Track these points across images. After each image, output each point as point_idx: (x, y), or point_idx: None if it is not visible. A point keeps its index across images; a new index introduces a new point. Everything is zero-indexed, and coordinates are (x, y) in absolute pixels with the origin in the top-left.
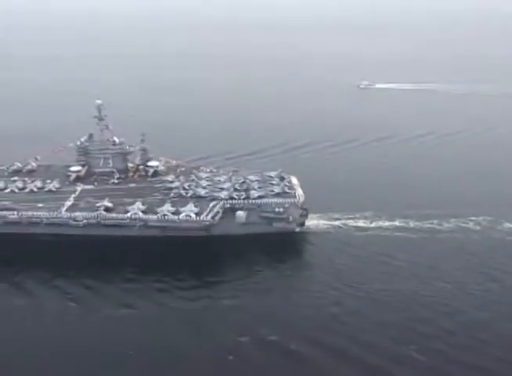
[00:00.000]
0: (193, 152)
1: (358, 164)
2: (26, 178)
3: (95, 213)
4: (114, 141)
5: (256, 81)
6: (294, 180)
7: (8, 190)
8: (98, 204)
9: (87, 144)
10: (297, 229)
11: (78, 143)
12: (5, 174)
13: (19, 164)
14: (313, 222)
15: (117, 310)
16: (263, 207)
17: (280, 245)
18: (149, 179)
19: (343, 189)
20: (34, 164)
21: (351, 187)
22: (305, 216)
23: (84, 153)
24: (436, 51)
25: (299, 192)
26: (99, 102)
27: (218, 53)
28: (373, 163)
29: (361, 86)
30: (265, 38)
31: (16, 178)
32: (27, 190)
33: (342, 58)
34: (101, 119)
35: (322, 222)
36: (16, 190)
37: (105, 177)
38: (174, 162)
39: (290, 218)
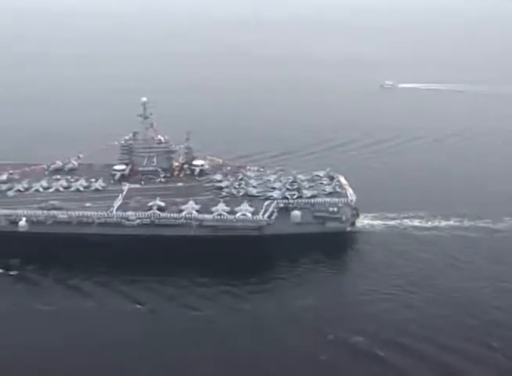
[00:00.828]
0: (236, 151)
1: (402, 162)
2: (68, 177)
3: (149, 212)
4: (159, 139)
5: (282, 80)
6: (342, 179)
7: (52, 189)
8: (150, 204)
9: (131, 142)
10: (348, 229)
11: (122, 142)
12: (46, 172)
13: (59, 163)
14: (367, 221)
15: (187, 312)
16: (316, 206)
17: (335, 245)
18: (197, 178)
19: (392, 189)
20: (75, 163)
21: (400, 186)
22: (356, 215)
23: (128, 151)
24: (455, 50)
25: (350, 191)
26: (144, 99)
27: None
28: (416, 161)
29: (384, 86)
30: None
31: (58, 176)
32: (72, 189)
33: (361, 58)
34: (146, 117)
35: (376, 221)
36: (61, 189)
37: (151, 176)
38: (221, 161)
39: (344, 217)
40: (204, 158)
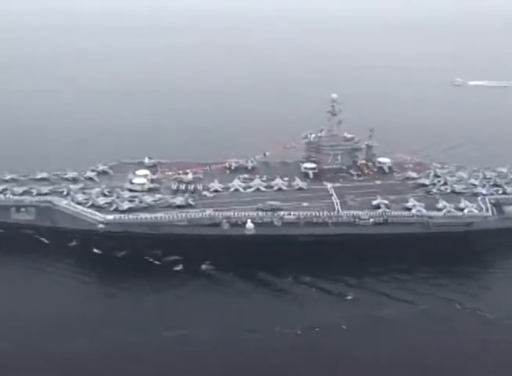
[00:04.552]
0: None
1: None
2: (257, 176)
3: (380, 211)
4: (346, 137)
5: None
6: None
7: (252, 189)
8: (375, 202)
9: (317, 140)
10: None
11: (311, 139)
12: (227, 172)
13: (239, 161)
14: None
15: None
16: None
17: None
18: (396, 176)
19: None
20: (254, 162)
21: None
22: None
23: (315, 149)
24: None
25: None
26: (334, 96)
27: None
28: None
29: (455, 83)
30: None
31: (245, 175)
32: (274, 188)
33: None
34: (334, 114)
35: None
36: (263, 189)
37: (344, 174)
38: (409, 158)
39: None
40: (389, 155)
